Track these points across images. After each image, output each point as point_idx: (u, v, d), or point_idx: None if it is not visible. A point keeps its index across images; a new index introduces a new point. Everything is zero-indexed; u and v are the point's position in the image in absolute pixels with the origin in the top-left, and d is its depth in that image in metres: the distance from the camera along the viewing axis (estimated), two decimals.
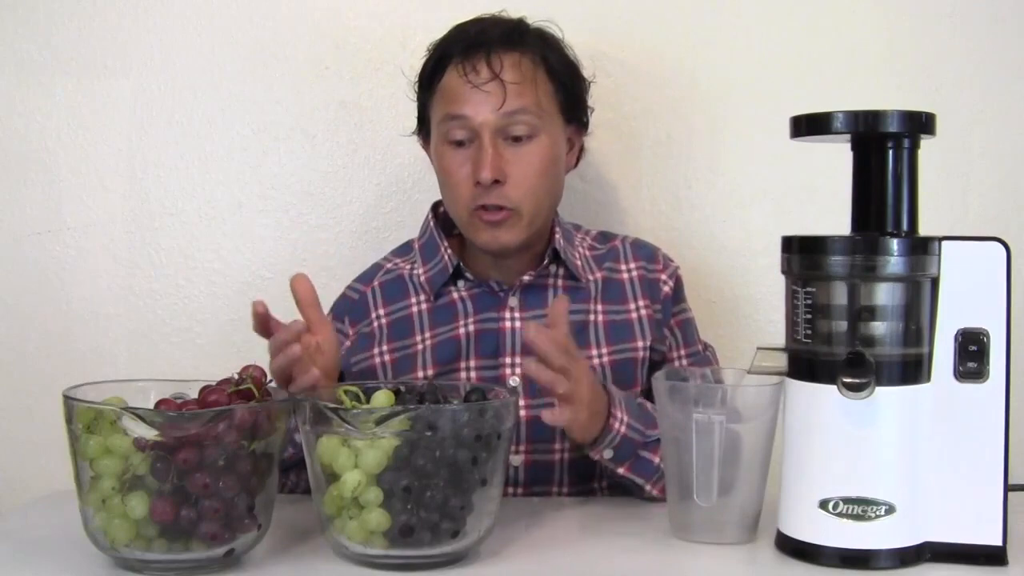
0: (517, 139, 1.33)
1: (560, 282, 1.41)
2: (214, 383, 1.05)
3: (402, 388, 1.11)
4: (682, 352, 1.43)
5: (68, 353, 1.68)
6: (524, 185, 1.33)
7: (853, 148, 1.09)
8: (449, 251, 1.40)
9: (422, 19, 1.68)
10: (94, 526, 0.99)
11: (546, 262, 1.39)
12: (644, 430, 1.24)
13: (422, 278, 1.40)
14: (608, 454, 1.23)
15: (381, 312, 1.40)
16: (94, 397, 1.01)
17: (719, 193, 1.70)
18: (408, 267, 1.43)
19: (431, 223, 1.44)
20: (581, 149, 1.46)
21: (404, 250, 1.47)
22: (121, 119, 1.68)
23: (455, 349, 1.37)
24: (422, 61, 1.41)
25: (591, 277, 1.42)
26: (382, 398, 1.07)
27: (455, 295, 1.40)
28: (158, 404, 1.02)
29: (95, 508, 0.98)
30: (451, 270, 1.39)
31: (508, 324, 1.38)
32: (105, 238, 1.69)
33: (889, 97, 1.64)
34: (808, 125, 1.07)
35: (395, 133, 1.68)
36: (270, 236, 1.70)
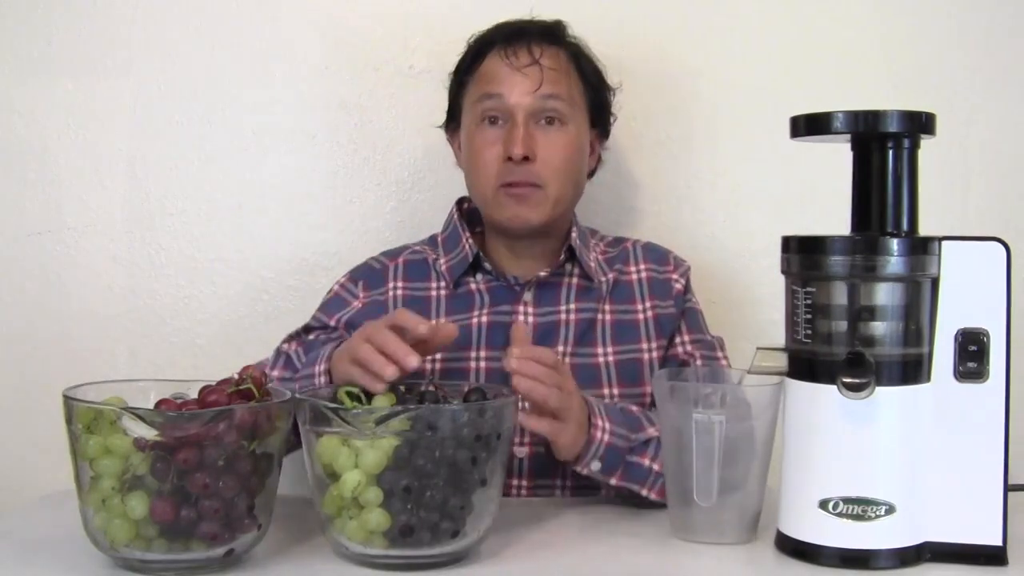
0: (549, 123, 1.38)
1: (575, 280, 1.44)
2: (214, 383, 1.05)
3: (402, 388, 1.11)
4: (686, 338, 1.44)
5: (68, 353, 1.68)
6: (552, 165, 1.37)
7: (853, 148, 1.09)
8: (470, 241, 1.43)
9: (422, 19, 1.68)
10: (94, 526, 0.99)
11: (562, 260, 1.42)
12: (629, 434, 1.24)
13: (443, 267, 1.43)
14: (596, 466, 1.22)
15: (399, 285, 1.43)
16: (94, 397, 1.01)
17: (719, 193, 1.70)
18: (433, 256, 1.46)
19: (455, 216, 1.48)
20: (599, 160, 1.51)
21: (430, 242, 1.50)
22: (121, 119, 1.68)
23: (467, 337, 1.38)
24: (459, 55, 1.46)
25: (603, 278, 1.44)
26: (382, 398, 1.07)
27: (473, 286, 1.43)
28: (158, 404, 1.02)
29: (95, 508, 0.98)
30: (471, 259, 1.42)
31: (521, 319, 1.40)
32: (105, 238, 1.69)
33: (889, 97, 1.64)
34: (808, 125, 1.07)
35: (395, 133, 1.69)
36: (270, 236, 1.70)
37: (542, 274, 1.42)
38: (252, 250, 1.70)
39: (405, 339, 1.11)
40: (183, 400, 1.03)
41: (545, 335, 1.39)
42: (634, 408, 1.29)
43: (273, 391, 1.06)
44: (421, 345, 1.13)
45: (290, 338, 1.41)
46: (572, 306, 1.42)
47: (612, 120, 1.50)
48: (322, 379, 1.21)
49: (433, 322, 1.16)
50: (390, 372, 1.08)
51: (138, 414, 0.96)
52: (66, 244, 1.69)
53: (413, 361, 1.08)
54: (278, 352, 1.38)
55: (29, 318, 1.69)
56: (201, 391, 1.03)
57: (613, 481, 1.24)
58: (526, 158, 1.35)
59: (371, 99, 1.69)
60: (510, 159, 1.36)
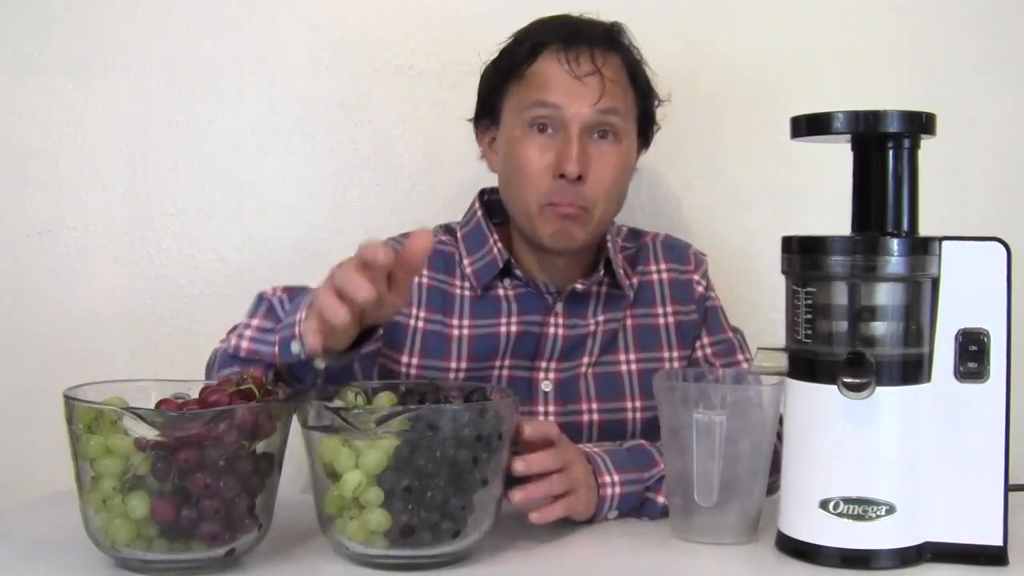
0: (603, 137, 1.30)
1: (604, 290, 1.38)
2: (215, 383, 1.05)
3: (403, 388, 1.11)
4: (705, 341, 1.40)
5: (68, 353, 1.68)
6: (602, 186, 1.29)
7: (853, 148, 1.09)
8: (499, 244, 1.35)
9: (422, 19, 1.68)
10: (95, 526, 0.99)
11: (600, 272, 1.36)
12: (642, 475, 1.21)
13: (468, 269, 1.35)
14: (613, 515, 1.20)
15: (424, 272, 1.34)
16: (94, 397, 1.01)
17: (719, 193, 1.70)
18: (457, 252, 1.37)
19: (478, 212, 1.39)
20: (635, 168, 1.42)
21: (448, 234, 1.41)
22: (121, 119, 1.68)
23: (493, 347, 1.33)
24: (500, 47, 1.36)
25: (627, 283, 1.39)
26: (384, 399, 1.07)
27: (500, 292, 1.36)
28: (159, 404, 1.02)
29: (96, 508, 0.98)
30: (500, 265, 1.34)
31: (551, 330, 1.35)
32: (105, 238, 1.69)
33: (889, 97, 1.63)
34: (808, 125, 1.07)
35: (395, 133, 1.69)
36: (270, 236, 1.70)
37: (579, 286, 1.35)
38: (252, 250, 1.70)
39: (375, 274, 0.97)
40: (184, 400, 1.03)
41: (572, 348, 1.35)
42: (644, 443, 1.26)
43: (274, 391, 1.06)
44: (403, 268, 1.01)
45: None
46: (600, 318, 1.37)
47: (655, 130, 1.42)
48: (301, 327, 1.06)
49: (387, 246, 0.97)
50: (342, 316, 0.95)
51: (139, 414, 0.96)
52: (66, 244, 1.69)
53: (362, 293, 0.94)
54: (260, 298, 1.24)
55: (29, 318, 1.69)
56: (202, 391, 1.03)
57: (632, 516, 1.22)
58: (579, 177, 1.26)
59: (371, 99, 1.69)
60: (562, 176, 1.26)
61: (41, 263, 1.69)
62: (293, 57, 1.68)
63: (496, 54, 1.37)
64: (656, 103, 1.40)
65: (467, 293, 1.36)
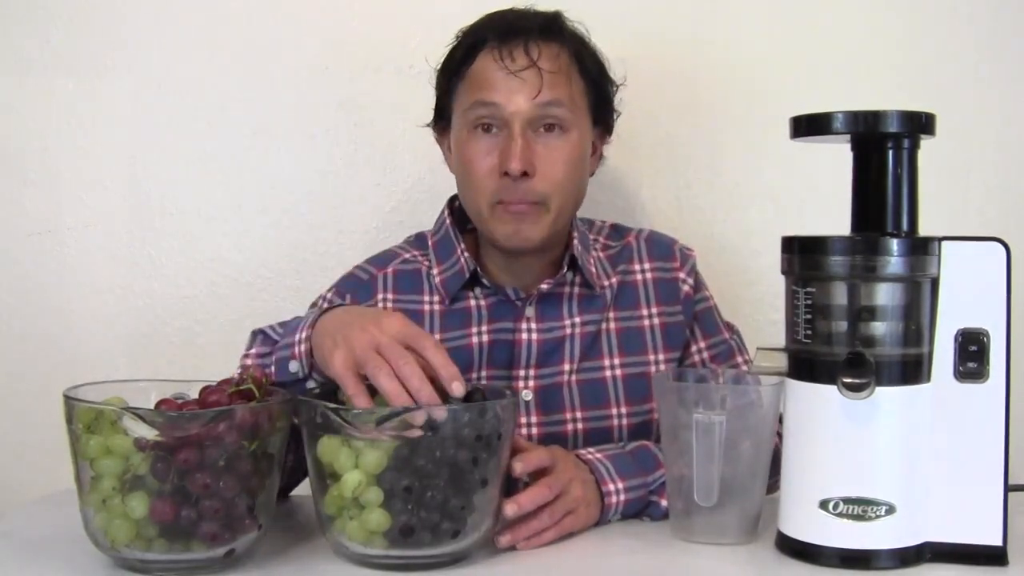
0: (548, 130, 1.28)
1: (576, 290, 1.36)
2: (214, 383, 1.05)
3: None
4: (702, 345, 1.39)
5: (68, 353, 1.68)
6: (552, 179, 1.27)
7: (853, 148, 1.09)
8: (466, 254, 1.34)
9: (422, 19, 1.68)
10: (94, 526, 0.99)
11: (564, 270, 1.35)
12: (646, 478, 1.20)
13: (437, 279, 1.35)
14: (617, 519, 1.19)
15: (389, 296, 1.34)
16: (94, 397, 1.01)
17: (719, 193, 1.70)
18: (426, 265, 1.37)
19: (447, 219, 1.38)
20: (601, 157, 1.41)
21: (419, 244, 1.40)
22: (121, 119, 1.68)
23: (467, 358, 1.32)
24: (447, 48, 1.36)
25: (606, 283, 1.37)
26: (383, 398, 1.07)
27: (471, 301, 1.34)
28: (158, 404, 1.02)
29: (95, 508, 0.98)
30: (468, 275, 1.33)
31: (524, 336, 1.33)
32: (105, 238, 1.69)
33: (889, 97, 1.63)
34: (808, 125, 1.07)
35: (395, 133, 1.69)
36: (270, 236, 1.70)
37: (544, 287, 1.34)
38: (252, 250, 1.70)
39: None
40: (183, 400, 1.03)
41: (550, 352, 1.34)
42: (648, 444, 1.24)
43: (274, 391, 1.06)
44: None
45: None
46: (577, 319, 1.35)
47: (616, 116, 1.40)
48: (302, 347, 1.11)
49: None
50: (399, 400, 1.00)
51: (139, 414, 0.96)
52: (66, 244, 1.69)
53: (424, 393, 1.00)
54: (254, 333, 1.25)
55: (29, 318, 1.69)
56: (202, 391, 1.03)
57: (633, 517, 1.21)
58: (525, 173, 1.25)
59: (371, 99, 1.69)
60: (507, 174, 1.25)
61: (41, 263, 1.69)
62: (293, 57, 1.68)
63: (443, 56, 1.36)
64: (612, 88, 1.38)
65: (436, 307, 1.34)
